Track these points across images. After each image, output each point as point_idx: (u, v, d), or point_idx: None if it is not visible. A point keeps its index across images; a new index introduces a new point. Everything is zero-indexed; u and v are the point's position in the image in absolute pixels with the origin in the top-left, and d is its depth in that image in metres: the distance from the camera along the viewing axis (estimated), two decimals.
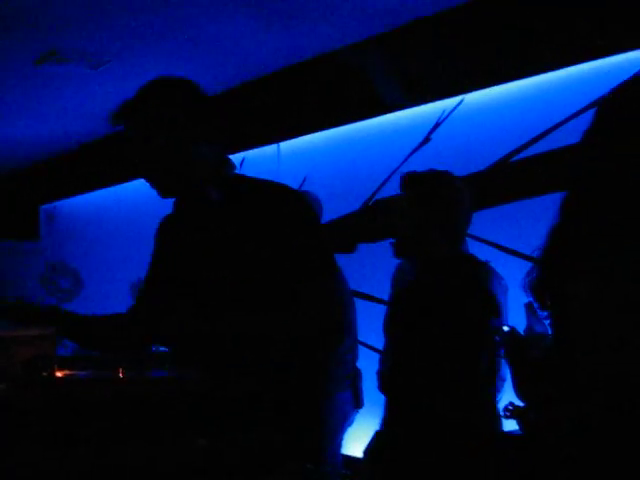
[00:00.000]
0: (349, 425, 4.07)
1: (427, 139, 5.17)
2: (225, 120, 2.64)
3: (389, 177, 5.37)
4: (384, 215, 5.27)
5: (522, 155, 4.63)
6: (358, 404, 4.06)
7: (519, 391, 2.86)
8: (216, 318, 2.42)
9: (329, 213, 4.84)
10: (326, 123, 5.85)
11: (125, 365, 2.31)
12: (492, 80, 4.78)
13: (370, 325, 4.22)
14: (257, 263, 2.40)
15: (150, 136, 2.45)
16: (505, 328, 2.96)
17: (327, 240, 2.64)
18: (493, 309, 3.14)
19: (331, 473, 3.90)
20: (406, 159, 5.26)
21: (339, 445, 4.04)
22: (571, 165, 1.81)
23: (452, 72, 5.02)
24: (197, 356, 2.41)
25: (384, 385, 3.52)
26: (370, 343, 4.72)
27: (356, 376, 4.07)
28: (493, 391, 3.24)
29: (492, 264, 3.43)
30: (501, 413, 3.05)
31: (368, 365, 4.01)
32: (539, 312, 1.85)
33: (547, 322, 1.84)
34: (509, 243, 4.55)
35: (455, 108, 5.01)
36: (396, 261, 3.90)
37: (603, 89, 2.57)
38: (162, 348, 2.54)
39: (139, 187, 7.06)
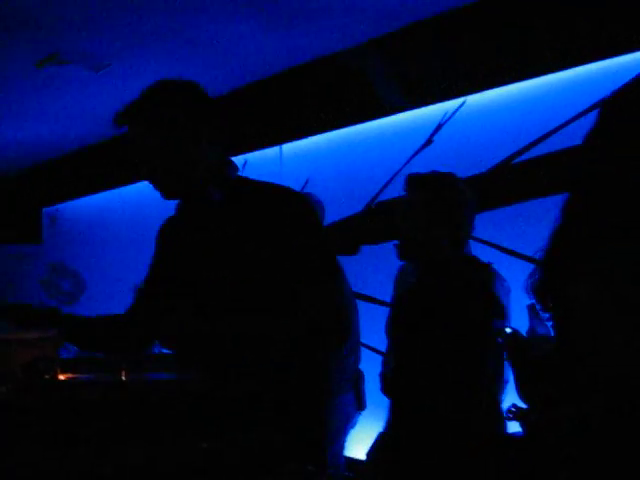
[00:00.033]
0: (352, 427, 4.07)
1: (429, 141, 5.17)
2: (227, 121, 2.64)
3: (391, 179, 5.37)
4: (387, 217, 5.27)
5: (524, 157, 4.63)
6: (361, 406, 4.06)
7: (522, 393, 2.87)
8: (216, 318, 2.42)
9: (331, 215, 4.84)
10: (328, 125, 5.86)
11: (127, 367, 2.31)
12: (494, 82, 4.78)
13: (372, 327, 4.22)
14: (258, 264, 2.40)
15: (152, 137, 2.46)
16: (507, 330, 2.96)
17: (329, 242, 2.65)
18: (497, 311, 3.14)
19: (334, 475, 3.90)
20: (408, 161, 5.25)
21: (342, 447, 4.05)
22: (573, 167, 1.81)
23: (454, 74, 5.02)
24: (197, 356, 2.41)
25: (387, 387, 3.52)
26: (372, 345, 4.72)
27: (358, 378, 4.07)
28: (496, 393, 3.24)
29: (494, 266, 3.43)
30: (504, 415, 3.06)
31: (370, 367, 4.02)
32: (541, 314, 1.85)
33: (550, 324, 1.84)
34: (511, 245, 4.55)
35: (457, 110, 5.01)
36: (398, 263, 3.89)
37: (605, 91, 2.56)
38: (163, 350, 2.54)
39: (141, 189, 7.06)
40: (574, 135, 4.00)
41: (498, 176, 4.75)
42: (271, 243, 2.39)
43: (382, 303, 4.88)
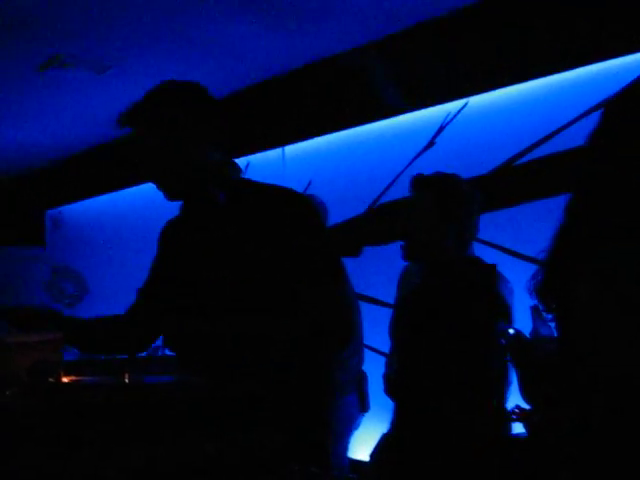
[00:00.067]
0: (355, 429, 4.07)
1: (431, 143, 5.17)
2: (229, 122, 2.65)
3: (394, 180, 5.37)
4: (392, 217, 5.27)
5: (526, 158, 4.63)
6: (364, 407, 4.06)
7: (525, 394, 2.86)
8: (218, 319, 2.42)
9: (334, 216, 4.85)
10: (330, 127, 5.86)
11: (130, 369, 2.31)
12: (495, 83, 4.78)
13: (376, 328, 4.22)
14: (260, 264, 2.40)
15: (155, 138, 2.47)
16: (511, 331, 2.96)
17: (332, 243, 2.65)
18: (501, 312, 3.14)
19: (337, 476, 3.90)
20: (411, 162, 5.26)
21: (345, 448, 4.05)
22: (575, 168, 1.81)
23: (456, 76, 5.02)
24: (199, 357, 2.41)
25: (390, 388, 3.52)
26: (376, 346, 4.72)
27: (362, 379, 4.07)
28: (501, 394, 3.23)
29: (498, 267, 3.44)
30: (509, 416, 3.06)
31: (374, 368, 4.02)
32: (545, 315, 1.85)
33: (553, 325, 1.84)
34: (514, 246, 4.55)
35: (459, 111, 5.01)
36: (401, 264, 3.90)
37: (607, 92, 2.58)
38: (166, 352, 2.54)
39: (144, 191, 7.04)
40: (577, 136, 3.99)
41: (500, 177, 4.75)
42: (273, 244, 2.39)
43: (385, 304, 4.87)
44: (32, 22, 4.97)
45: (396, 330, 3.61)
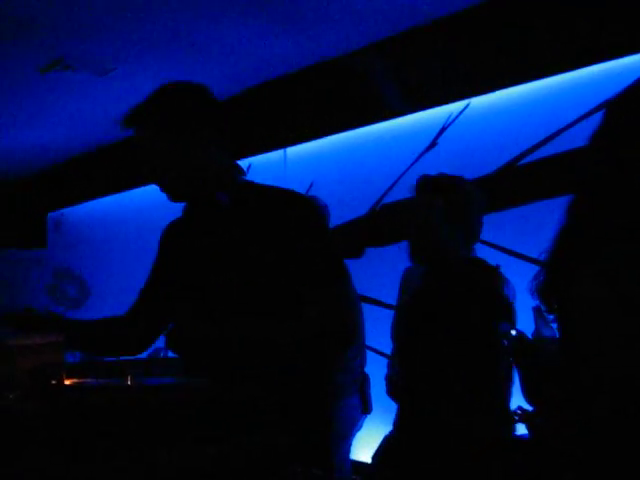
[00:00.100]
0: (358, 430, 4.07)
1: (433, 144, 5.17)
2: (233, 124, 2.65)
3: (396, 182, 5.37)
4: (395, 219, 5.27)
5: (528, 159, 4.63)
6: (366, 409, 4.06)
7: (527, 395, 2.86)
8: (222, 321, 2.42)
9: (336, 218, 4.84)
10: (332, 128, 5.86)
11: (133, 372, 2.31)
12: (498, 84, 4.78)
13: (378, 330, 4.22)
14: (265, 267, 2.40)
15: (159, 139, 2.46)
16: (513, 332, 2.95)
17: (336, 245, 2.65)
18: (504, 314, 3.14)
19: (340, 478, 3.90)
20: (413, 164, 5.26)
21: (348, 450, 4.05)
22: (578, 168, 1.81)
23: (457, 77, 5.02)
24: (203, 359, 2.41)
25: (393, 390, 3.52)
26: (378, 348, 4.72)
27: (364, 381, 4.07)
28: (503, 396, 3.23)
29: (500, 268, 3.44)
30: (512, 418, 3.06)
31: (376, 370, 4.02)
32: (547, 316, 1.85)
33: (555, 326, 1.84)
34: (516, 247, 4.55)
35: (461, 112, 5.01)
36: (404, 266, 3.90)
37: (609, 92, 2.56)
38: (169, 354, 2.54)
39: (146, 194, 7.04)
40: (578, 137, 3.99)
41: (502, 178, 4.75)
42: (277, 246, 2.39)
43: (387, 306, 4.88)
44: (34, 24, 4.98)
45: (397, 332, 3.62)
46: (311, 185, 5.84)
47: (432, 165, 4.84)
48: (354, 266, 3.92)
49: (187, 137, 2.46)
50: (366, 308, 4.28)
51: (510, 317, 3.14)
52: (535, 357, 2.78)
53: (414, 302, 3.38)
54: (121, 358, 2.89)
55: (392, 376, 3.65)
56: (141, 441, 1.76)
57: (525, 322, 3.08)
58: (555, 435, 1.81)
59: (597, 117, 1.72)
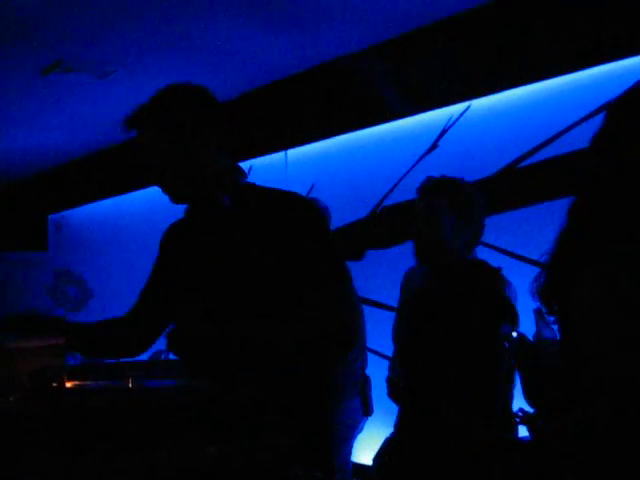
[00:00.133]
0: (358, 432, 4.07)
1: (434, 146, 5.17)
2: (235, 126, 2.65)
3: (397, 184, 5.37)
4: (396, 221, 5.28)
5: (529, 161, 4.63)
6: (367, 411, 4.06)
7: (528, 397, 2.86)
8: (224, 323, 2.42)
9: (337, 220, 4.84)
10: (333, 130, 5.86)
11: (134, 374, 2.32)
12: (498, 86, 4.78)
13: (379, 332, 4.22)
14: (266, 269, 2.40)
15: (161, 141, 2.47)
16: (514, 334, 2.95)
17: (337, 247, 2.65)
18: (506, 315, 3.14)
19: None
20: (413, 166, 5.26)
21: (349, 452, 4.04)
22: (579, 170, 1.81)
23: (458, 79, 5.02)
24: (204, 361, 2.41)
25: (394, 392, 3.52)
26: (379, 350, 4.72)
27: (365, 383, 4.07)
28: (504, 397, 3.23)
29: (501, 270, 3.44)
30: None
31: (377, 372, 4.01)
32: (548, 318, 1.85)
33: (556, 328, 1.84)
34: (516, 249, 4.54)
35: (462, 114, 5.01)
36: (404, 268, 3.90)
37: (610, 94, 2.56)
38: (170, 356, 2.54)
39: (147, 196, 7.03)
40: (579, 139, 4.00)
41: (503, 180, 4.75)
42: (278, 248, 2.39)
43: (388, 308, 4.88)
44: (35, 26, 4.98)
45: (399, 332, 3.62)
46: (312, 187, 5.84)
47: (433, 167, 4.84)
48: (355, 268, 3.92)
49: (187, 138, 2.47)
50: (367, 310, 4.28)
51: (513, 319, 3.15)
52: (536, 359, 2.78)
53: (416, 302, 3.39)
54: (122, 360, 2.89)
55: (393, 378, 3.65)
56: (142, 443, 1.76)
57: (526, 324, 3.08)
58: (556, 437, 1.81)
59: (598, 119, 1.72)
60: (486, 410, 3.13)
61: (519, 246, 4.53)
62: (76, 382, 2.20)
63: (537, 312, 2.88)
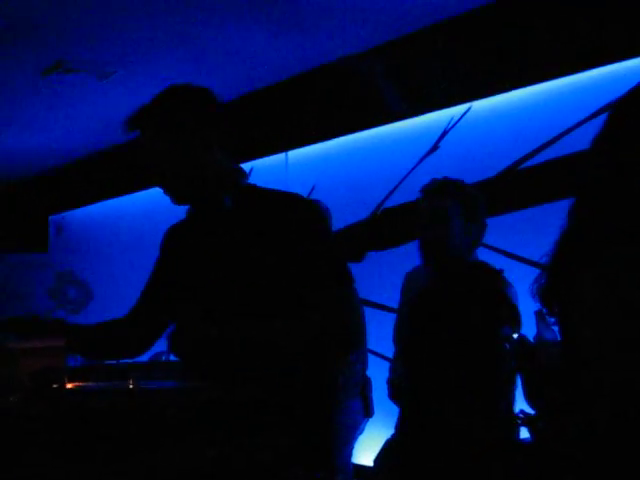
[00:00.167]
0: (359, 434, 4.07)
1: (435, 147, 5.17)
2: (236, 127, 2.65)
3: (397, 185, 5.37)
4: (397, 222, 5.28)
5: (530, 162, 4.63)
6: (368, 413, 4.05)
7: (529, 399, 2.86)
8: (224, 323, 2.42)
9: (338, 222, 4.84)
10: (333, 132, 5.86)
11: (135, 375, 2.32)
12: (499, 87, 4.78)
13: (379, 333, 4.22)
14: (267, 269, 2.40)
15: (162, 141, 2.47)
16: (514, 336, 2.96)
17: (339, 248, 2.64)
18: (508, 317, 3.14)
19: None
20: (414, 167, 5.26)
21: (349, 454, 4.04)
22: (579, 172, 1.81)
23: (459, 80, 5.02)
24: (204, 361, 2.41)
25: (394, 393, 3.52)
26: (380, 351, 4.72)
27: (366, 385, 4.07)
28: (506, 398, 3.23)
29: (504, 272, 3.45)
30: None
31: (378, 373, 4.01)
32: (549, 320, 1.85)
33: (557, 329, 1.84)
34: (517, 250, 4.54)
35: (463, 116, 5.01)
36: (405, 269, 3.90)
37: (611, 96, 2.57)
38: (171, 357, 2.54)
39: (148, 197, 7.03)
40: (580, 140, 4.00)
41: (504, 182, 4.75)
42: (279, 249, 2.39)
43: (389, 309, 4.87)
44: (36, 27, 4.98)
45: (401, 332, 3.62)
46: (313, 188, 5.84)
47: (434, 169, 4.85)
48: (355, 270, 3.92)
49: (187, 138, 2.47)
50: (368, 312, 4.28)
51: (515, 320, 3.15)
52: (536, 361, 2.78)
53: (419, 302, 3.39)
54: (122, 361, 2.89)
55: (394, 380, 3.65)
56: (142, 444, 1.76)
57: (527, 325, 3.08)
58: (556, 438, 1.81)
59: (598, 121, 1.72)
60: (487, 411, 3.13)
61: (519, 247, 4.53)
62: (77, 383, 2.20)
63: (538, 314, 2.88)
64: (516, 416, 3.08)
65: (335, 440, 3.82)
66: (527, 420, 2.95)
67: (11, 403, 1.90)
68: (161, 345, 2.73)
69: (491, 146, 4.84)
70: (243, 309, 2.42)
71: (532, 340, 2.94)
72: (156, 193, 2.61)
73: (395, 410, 3.47)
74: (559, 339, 1.80)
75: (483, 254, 3.62)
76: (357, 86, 5.63)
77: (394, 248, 5.34)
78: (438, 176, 3.49)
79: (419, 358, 3.24)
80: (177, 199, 2.57)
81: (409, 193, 5.10)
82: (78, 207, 8.97)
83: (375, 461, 3.47)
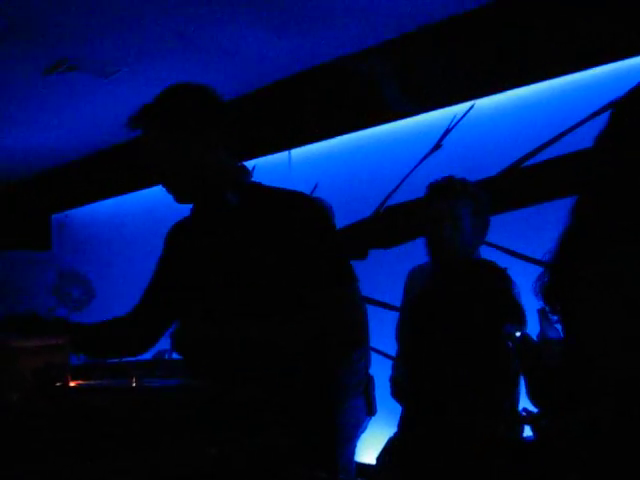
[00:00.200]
0: (362, 432, 4.07)
1: (438, 145, 5.17)
2: (238, 126, 2.65)
3: (400, 183, 5.37)
4: (401, 220, 5.27)
5: (533, 160, 4.62)
6: (371, 411, 4.05)
7: (532, 397, 2.86)
8: (224, 322, 2.42)
9: (340, 220, 4.84)
10: (336, 130, 5.86)
11: (137, 373, 2.32)
12: (502, 86, 4.78)
13: (382, 331, 4.22)
14: (268, 269, 2.40)
15: (162, 141, 2.47)
16: (517, 334, 2.95)
17: (343, 246, 2.64)
18: (516, 315, 3.14)
19: None
20: (417, 165, 5.26)
21: (352, 452, 4.04)
22: (583, 169, 1.81)
23: (461, 78, 5.02)
24: (205, 361, 2.41)
25: (397, 391, 3.52)
26: (382, 349, 4.71)
27: (369, 383, 4.06)
28: (509, 397, 3.23)
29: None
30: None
31: (381, 372, 4.01)
32: (552, 318, 1.85)
33: (560, 327, 1.84)
34: (520, 248, 4.54)
35: (465, 114, 5.01)
36: (408, 267, 3.90)
37: (614, 93, 2.56)
38: (173, 355, 2.54)
39: (151, 195, 7.04)
40: (584, 138, 3.99)
41: (507, 180, 4.74)
42: (281, 247, 2.39)
43: (391, 307, 4.87)
44: (38, 26, 4.98)
45: (402, 331, 3.62)
46: (315, 187, 5.84)
47: (436, 167, 4.85)
48: (358, 268, 3.92)
49: (188, 138, 2.47)
50: (370, 310, 4.28)
51: (520, 319, 3.15)
52: (539, 359, 2.78)
53: (420, 301, 3.39)
54: (125, 360, 2.89)
55: (396, 378, 3.65)
56: (144, 442, 1.76)
57: (530, 323, 3.07)
58: (560, 437, 1.81)
59: (601, 119, 1.72)
60: (490, 409, 3.13)
61: (522, 245, 4.53)
62: (79, 381, 2.20)
63: (541, 312, 2.87)
64: (519, 414, 3.08)
65: (337, 438, 3.81)
66: (530, 418, 2.95)
67: (14, 401, 1.90)
68: (164, 343, 2.73)
69: (494, 144, 4.84)
70: (243, 309, 2.41)
71: (535, 338, 2.94)
72: (159, 191, 2.61)
73: (398, 408, 3.47)
74: (562, 337, 1.80)
75: (486, 252, 3.62)
76: (359, 84, 5.63)
77: (397, 246, 5.33)
78: (441, 174, 3.49)
79: (421, 357, 3.24)
80: (179, 198, 2.57)
81: (412, 191, 5.11)
82: (81, 205, 8.97)
83: (378, 459, 3.47)
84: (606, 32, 4.19)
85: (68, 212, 9.21)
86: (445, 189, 3.39)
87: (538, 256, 3.88)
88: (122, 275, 7.98)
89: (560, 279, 1.71)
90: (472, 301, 3.15)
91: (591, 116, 4.25)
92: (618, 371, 1.54)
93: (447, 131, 5.12)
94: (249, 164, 2.68)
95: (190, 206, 2.66)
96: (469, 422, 3.06)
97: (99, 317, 2.90)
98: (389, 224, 5.47)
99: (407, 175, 5.30)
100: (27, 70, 5.81)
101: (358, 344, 2.60)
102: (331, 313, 2.37)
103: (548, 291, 1.75)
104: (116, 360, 2.95)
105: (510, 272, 3.35)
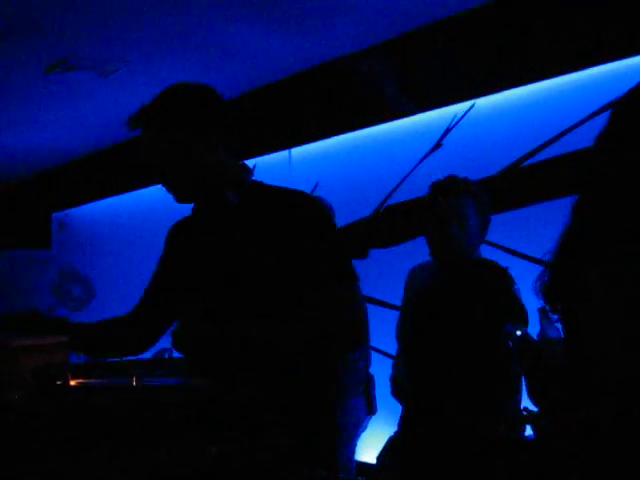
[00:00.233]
0: (362, 431, 4.07)
1: (438, 145, 5.17)
2: (238, 125, 2.65)
3: (401, 182, 5.37)
4: (401, 219, 5.28)
5: (533, 160, 4.62)
6: (371, 410, 4.05)
7: (532, 396, 2.86)
8: (224, 322, 2.42)
9: (341, 219, 4.84)
10: (336, 129, 5.86)
11: (137, 372, 2.32)
12: (502, 85, 4.78)
13: (382, 330, 4.22)
14: (268, 269, 2.40)
15: (161, 140, 2.47)
16: (517, 333, 2.95)
17: (343, 247, 2.64)
18: (518, 315, 3.14)
19: (344, 479, 3.90)
20: (417, 164, 5.25)
21: (353, 451, 4.04)
22: (583, 169, 1.81)
23: (462, 78, 5.02)
24: (206, 360, 2.41)
25: (397, 390, 3.52)
26: (382, 349, 4.71)
27: (369, 382, 4.07)
28: (510, 396, 3.23)
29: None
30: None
31: (381, 371, 4.01)
32: (552, 317, 1.85)
33: (560, 327, 1.84)
34: (520, 247, 4.54)
35: (466, 113, 5.01)
36: (408, 266, 3.90)
37: (614, 93, 2.56)
38: (174, 354, 2.54)
39: (151, 194, 7.04)
40: (583, 138, 3.99)
41: (507, 179, 4.74)
42: (281, 247, 2.39)
43: (391, 307, 4.87)
44: (39, 25, 4.98)
45: (403, 330, 3.62)
46: (316, 186, 5.84)
47: (437, 166, 4.85)
48: (359, 267, 3.92)
49: (187, 138, 2.46)
50: (370, 309, 4.28)
51: (521, 318, 3.15)
52: (539, 358, 2.78)
53: (420, 301, 3.39)
54: (125, 359, 2.89)
55: (397, 377, 3.65)
56: (144, 441, 1.76)
57: (530, 323, 3.08)
58: (560, 436, 1.81)
59: (602, 118, 1.72)
60: (490, 408, 3.13)
61: (522, 245, 4.53)
62: (80, 380, 2.21)
63: (541, 311, 2.88)
64: (520, 414, 3.08)
65: (338, 438, 3.81)
66: (531, 418, 2.95)
67: (14, 400, 1.90)
68: (165, 342, 2.73)
69: (494, 144, 4.84)
70: (244, 309, 2.41)
71: (535, 338, 2.94)
72: (159, 190, 2.61)
73: (398, 407, 3.47)
74: (562, 337, 1.80)
75: (486, 251, 3.62)
76: (360, 84, 5.63)
77: (397, 245, 5.34)
78: (441, 174, 3.49)
79: (421, 356, 3.24)
80: (179, 198, 2.57)
81: (412, 190, 5.11)
82: (81, 204, 8.98)
83: (378, 458, 3.47)
84: (606, 32, 4.19)
85: (68, 211, 9.22)
86: (449, 188, 3.39)
87: (538, 255, 3.88)
88: (122, 274, 7.98)
89: (561, 278, 1.71)
90: (473, 300, 3.15)
91: (591, 116, 4.25)
92: (618, 371, 1.54)
93: (447, 130, 5.12)
94: (249, 163, 2.68)
95: (190, 206, 2.66)
96: (469, 422, 3.06)
97: (99, 317, 2.90)
98: (389, 223, 5.47)
99: (407, 174, 5.30)
100: (27, 70, 5.81)
101: (358, 344, 2.60)
102: (331, 313, 2.37)
103: (548, 290, 1.75)
104: (116, 359, 2.95)
105: (510, 271, 3.35)
